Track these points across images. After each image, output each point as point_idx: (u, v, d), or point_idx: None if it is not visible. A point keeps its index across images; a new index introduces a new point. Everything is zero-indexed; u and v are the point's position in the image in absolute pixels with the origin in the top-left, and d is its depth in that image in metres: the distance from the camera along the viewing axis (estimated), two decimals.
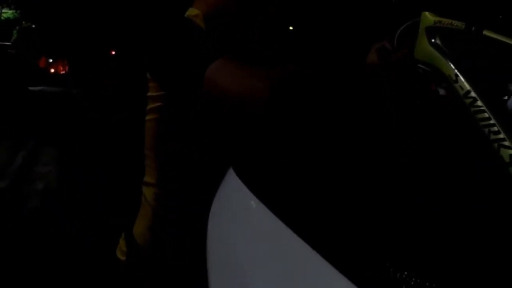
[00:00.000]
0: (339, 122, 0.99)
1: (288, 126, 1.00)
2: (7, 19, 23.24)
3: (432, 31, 1.11)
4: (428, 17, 1.13)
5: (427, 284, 0.62)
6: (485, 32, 1.08)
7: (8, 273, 2.80)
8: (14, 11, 23.65)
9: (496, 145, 1.02)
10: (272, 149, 1.01)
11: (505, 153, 1.01)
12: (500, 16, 1.20)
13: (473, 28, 1.08)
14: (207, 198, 1.07)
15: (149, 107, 1.27)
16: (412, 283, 0.63)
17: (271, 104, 0.96)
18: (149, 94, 1.26)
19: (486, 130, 1.02)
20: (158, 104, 1.25)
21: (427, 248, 0.72)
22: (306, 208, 0.85)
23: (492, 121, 1.02)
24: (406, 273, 0.64)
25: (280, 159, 0.97)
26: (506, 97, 1.11)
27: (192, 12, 1.28)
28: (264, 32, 1.35)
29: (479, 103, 1.04)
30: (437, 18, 1.12)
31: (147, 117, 1.27)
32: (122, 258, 1.32)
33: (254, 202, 0.89)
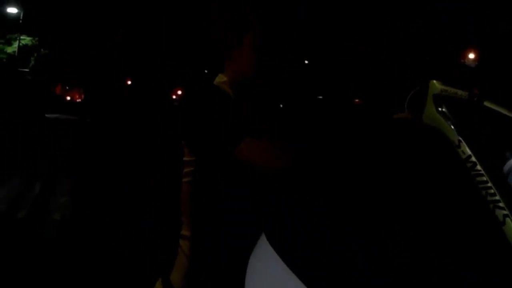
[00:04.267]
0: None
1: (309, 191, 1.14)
2: (25, 45, 23.40)
3: (439, 99, 1.24)
4: (436, 85, 1.26)
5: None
6: (486, 103, 1.21)
7: None
8: (32, 38, 23.87)
9: (492, 205, 1.14)
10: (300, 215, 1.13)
11: (500, 213, 1.14)
12: (500, 90, 1.33)
13: (475, 99, 1.21)
14: (236, 250, 1.20)
15: (185, 170, 1.42)
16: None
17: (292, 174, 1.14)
18: (185, 158, 1.41)
19: (484, 192, 1.15)
20: (192, 168, 1.41)
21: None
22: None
23: (489, 184, 1.15)
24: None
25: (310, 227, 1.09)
26: (502, 163, 1.23)
27: (220, 79, 1.42)
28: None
29: (478, 167, 1.16)
30: (444, 87, 1.25)
31: (184, 179, 1.42)
32: None
33: (286, 274, 0.98)
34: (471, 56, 15.61)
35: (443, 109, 1.23)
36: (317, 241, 1.11)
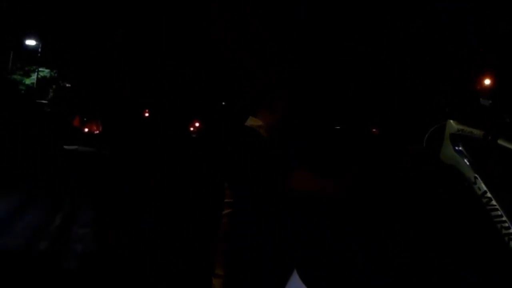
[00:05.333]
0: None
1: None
2: (44, 77, 23.49)
3: (455, 138, 1.34)
4: (453, 125, 1.35)
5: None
6: (500, 141, 1.30)
7: None
8: (50, 70, 23.97)
9: (506, 238, 1.24)
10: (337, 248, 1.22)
11: None
12: None
13: (489, 137, 1.30)
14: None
15: (225, 212, 1.48)
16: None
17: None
18: (226, 200, 1.48)
19: (499, 225, 1.25)
20: (229, 210, 1.47)
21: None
22: None
23: (503, 218, 1.25)
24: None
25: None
26: None
27: (254, 122, 1.47)
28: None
29: (493, 202, 1.26)
30: (460, 127, 1.34)
31: (223, 220, 1.49)
32: None
33: None
34: (487, 82, 15.16)
35: (460, 148, 1.33)
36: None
